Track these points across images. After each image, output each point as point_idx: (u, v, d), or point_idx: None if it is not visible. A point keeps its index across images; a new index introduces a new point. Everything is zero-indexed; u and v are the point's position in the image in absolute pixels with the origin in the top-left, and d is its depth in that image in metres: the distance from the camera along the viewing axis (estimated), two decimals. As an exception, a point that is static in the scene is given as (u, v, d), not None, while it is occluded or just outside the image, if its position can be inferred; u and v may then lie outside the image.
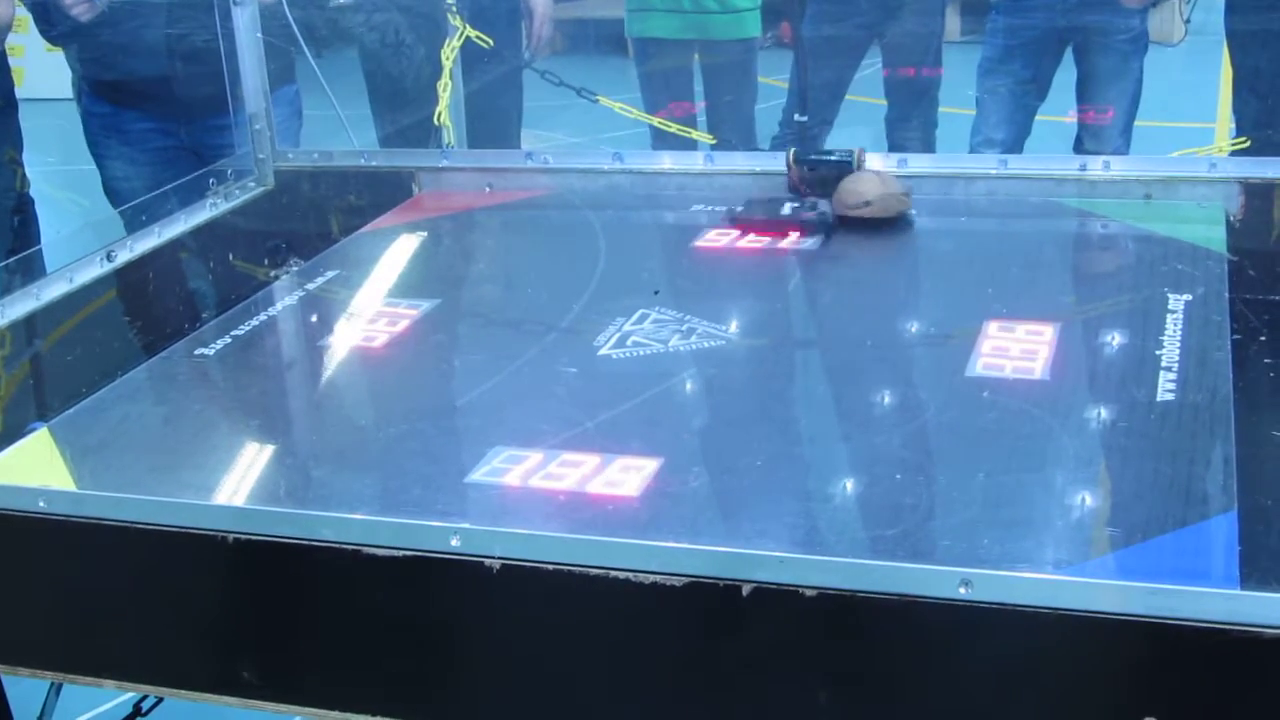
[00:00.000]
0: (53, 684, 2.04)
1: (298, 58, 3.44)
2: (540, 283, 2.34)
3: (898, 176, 2.52)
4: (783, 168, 2.65)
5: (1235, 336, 1.93)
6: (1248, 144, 2.96)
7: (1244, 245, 2.26)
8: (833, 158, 2.56)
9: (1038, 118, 4.86)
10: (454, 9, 3.34)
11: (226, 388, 2.03)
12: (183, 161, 3.53)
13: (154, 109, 3.68)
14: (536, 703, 1.56)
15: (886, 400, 1.86)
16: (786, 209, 2.47)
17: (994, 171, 2.56)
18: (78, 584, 1.70)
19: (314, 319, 2.23)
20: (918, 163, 2.61)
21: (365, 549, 1.54)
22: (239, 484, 1.73)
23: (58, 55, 3.92)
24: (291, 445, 1.85)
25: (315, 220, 2.80)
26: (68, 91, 4.10)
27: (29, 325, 2.20)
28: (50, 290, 2.25)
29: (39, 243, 4.31)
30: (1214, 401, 1.72)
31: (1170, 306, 2.00)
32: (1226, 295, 2.04)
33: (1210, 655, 1.33)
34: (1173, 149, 2.61)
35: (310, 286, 2.34)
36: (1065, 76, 4.82)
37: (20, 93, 4.31)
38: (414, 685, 1.59)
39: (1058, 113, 4.94)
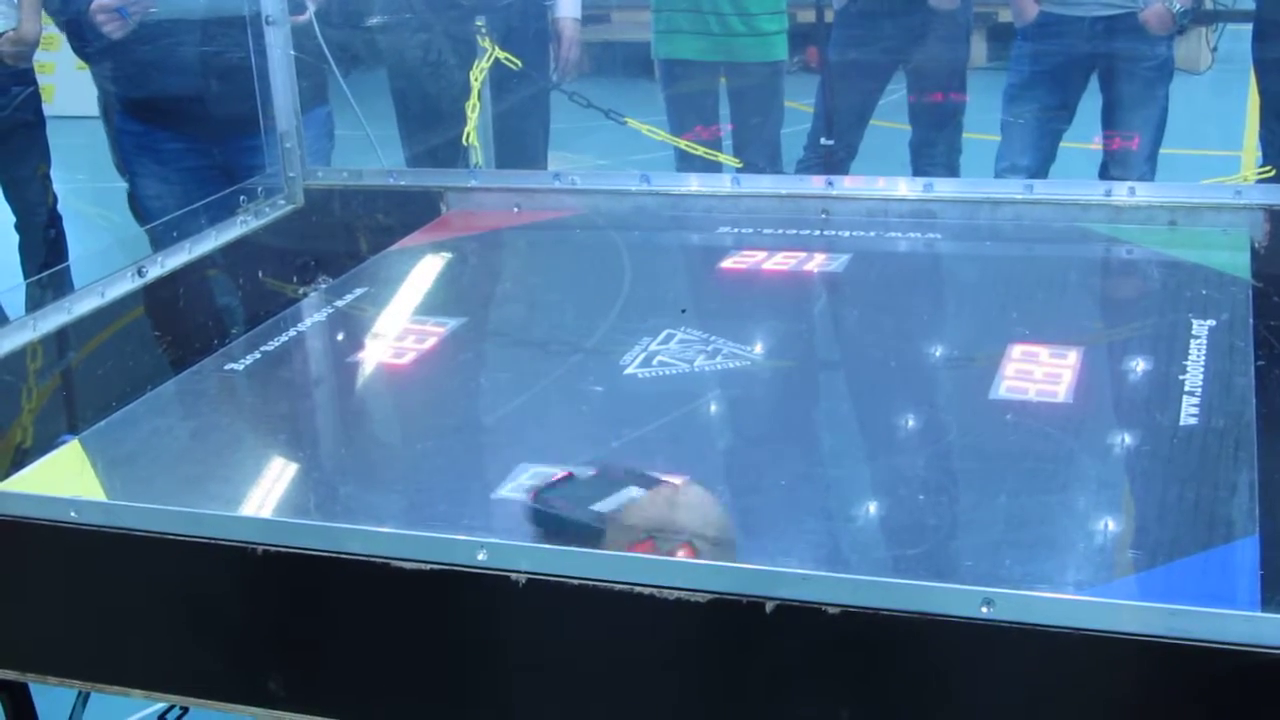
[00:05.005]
0: (80, 693, 2.05)
1: (329, 78, 3.46)
2: (567, 302, 2.36)
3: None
4: (809, 191, 2.67)
5: (1259, 362, 1.93)
6: (1273, 173, 2.96)
7: (1268, 271, 2.26)
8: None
9: (1063, 144, 4.87)
10: (483, 31, 3.37)
11: (255, 402, 2.05)
12: (215, 181, 3.55)
13: (187, 128, 3.70)
14: (560, 716, 1.57)
15: (910, 422, 1.87)
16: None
17: (1019, 196, 2.57)
18: (107, 594, 1.71)
19: (342, 336, 2.25)
20: (943, 187, 2.62)
21: (392, 562, 1.55)
22: (267, 497, 1.74)
23: (89, 73, 3.95)
24: (319, 459, 1.87)
25: (344, 238, 2.82)
26: (97, 109, 4.14)
27: (61, 338, 2.22)
28: (82, 304, 2.27)
29: (67, 258, 4.36)
30: (1237, 426, 1.73)
31: (1194, 332, 2.01)
32: (1250, 321, 2.04)
33: (1231, 677, 1.33)
34: (1199, 176, 2.61)
35: (339, 304, 2.36)
36: (1091, 103, 4.83)
37: (52, 109, 4.36)
38: (439, 698, 1.60)
39: (1083, 139, 4.95)
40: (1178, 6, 4.51)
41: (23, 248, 4.46)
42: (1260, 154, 4.62)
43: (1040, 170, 4.77)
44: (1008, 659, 1.39)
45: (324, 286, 2.48)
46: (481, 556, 1.52)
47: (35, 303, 2.32)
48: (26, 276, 4.28)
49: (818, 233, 2.57)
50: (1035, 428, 1.78)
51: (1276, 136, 4.45)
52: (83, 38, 3.70)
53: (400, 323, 2.28)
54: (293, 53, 2.79)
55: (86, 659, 1.76)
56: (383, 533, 1.57)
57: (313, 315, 2.32)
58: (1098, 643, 1.35)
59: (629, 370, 2.02)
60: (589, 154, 5.59)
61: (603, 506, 1.60)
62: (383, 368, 2.11)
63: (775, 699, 1.47)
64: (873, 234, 2.56)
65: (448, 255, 2.61)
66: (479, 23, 3.51)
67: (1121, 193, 2.51)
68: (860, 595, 1.41)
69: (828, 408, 1.99)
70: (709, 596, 1.45)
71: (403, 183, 2.88)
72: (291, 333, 2.25)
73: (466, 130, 3.16)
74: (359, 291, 2.41)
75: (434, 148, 4.19)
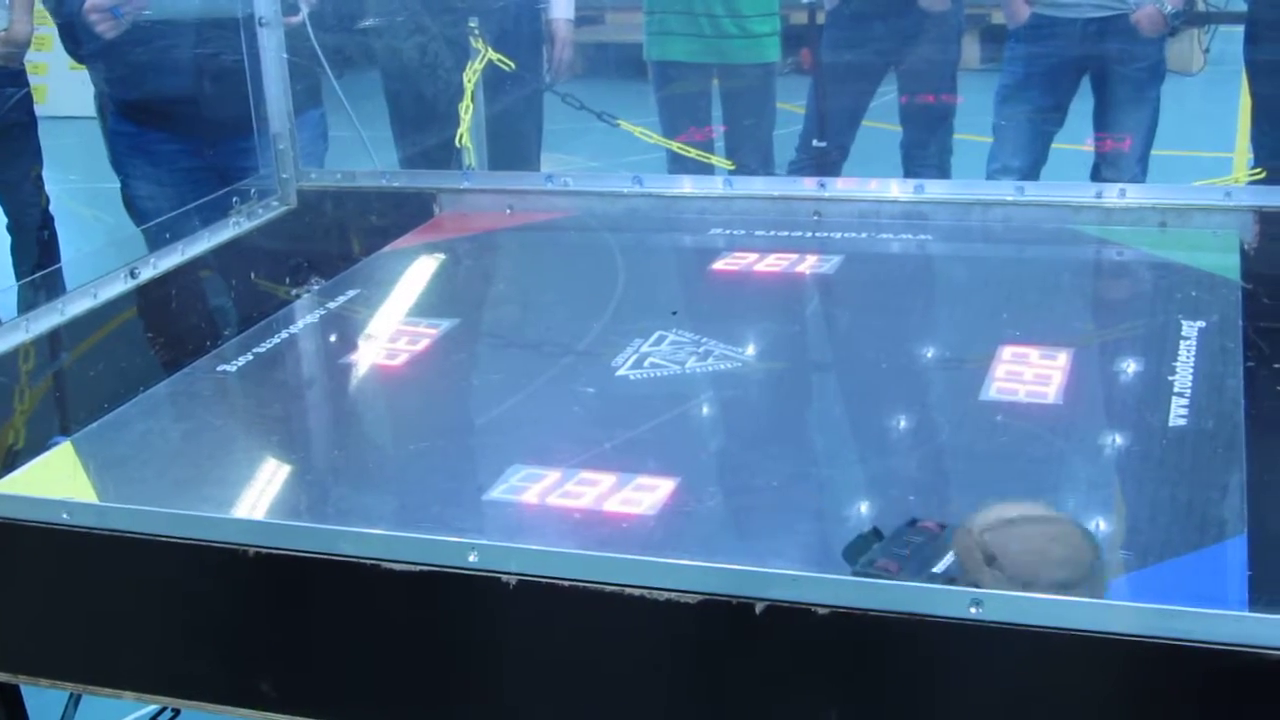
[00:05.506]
0: (72, 695, 2.05)
1: (323, 80, 3.47)
2: (559, 304, 2.36)
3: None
4: (800, 193, 2.68)
5: (1248, 363, 1.94)
6: (1264, 175, 2.97)
7: (1258, 273, 2.27)
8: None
9: (1055, 145, 4.87)
10: (477, 32, 3.37)
11: (248, 404, 2.05)
12: (208, 183, 3.54)
13: (180, 130, 3.70)
14: (551, 717, 1.57)
15: (901, 423, 1.87)
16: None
17: (1010, 198, 2.57)
18: (99, 596, 1.71)
19: (334, 337, 2.25)
20: (934, 188, 2.62)
21: (384, 564, 1.55)
22: (259, 498, 1.74)
23: (81, 73, 3.95)
24: (311, 461, 1.87)
25: (337, 240, 2.82)
26: (91, 109, 4.13)
27: (53, 340, 2.22)
28: (75, 306, 2.27)
29: (60, 259, 4.35)
30: (1226, 427, 1.73)
31: (1184, 333, 2.01)
32: (1240, 322, 2.05)
33: (1219, 676, 1.33)
34: (1190, 178, 2.61)
35: (331, 305, 2.36)
36: (1083, 104, 4.83)
37: (44, 110, 4.35)
38: (430, 700, 1.60)
39: (1075, 140, 4.96)
40: (1169, 8, 4.51)
41: (15, 249, 4.45)
42: (1252, 156, 4.63)
43: (1032, 172, 4.78)
44: (997, 659, 1.39)
45: (317, 288, 2.48)
46: (472, 558, 1.52)
47: (28, 304, 2.32)
48: (19, 278, 4.27)
49: (809, 234, 2.58)
50: (1025, 429, 1.78)
51: (1268, 138, 4.46)
52: (76, 39, 3.70)
53: (393, 324, 2.28)
54: (286, 55, 2.80)
55: (78, 661, 1.75)
56: (374, 534, 1.57)
57: (305, 317, 2.32)
58: (1086, 643, 1.35)
59: (621, 372, 2.02)
60: (581, 156, 5.60)
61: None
62: (375, 369, 2.11)
63: (765, 700, 1.47)
64: (864, 235, 2.56)
65: (440, 257, 2.61)
66: (472, 24, 3.52)
67: (1112, 194, 2.51)
68: (850, 596, 1.42)
69: (819, 409, 1.99)
70: (699, 597, 1.45)
71: (396, 184, 2.89)
72: (284, 334, 2.25)
73: (460, 132, 3.17)
74: (351, 293, 2.41)
75: (427, 149, 4.19)
